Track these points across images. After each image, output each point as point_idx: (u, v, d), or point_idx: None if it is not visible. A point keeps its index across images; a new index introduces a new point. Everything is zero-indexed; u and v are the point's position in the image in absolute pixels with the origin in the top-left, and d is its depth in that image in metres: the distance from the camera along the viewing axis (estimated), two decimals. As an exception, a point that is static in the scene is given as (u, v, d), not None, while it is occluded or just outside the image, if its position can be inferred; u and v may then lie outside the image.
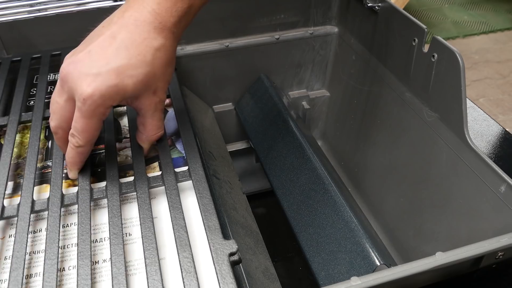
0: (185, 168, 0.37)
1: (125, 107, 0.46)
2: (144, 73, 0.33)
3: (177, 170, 0.37)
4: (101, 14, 0.56)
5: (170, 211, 0.34)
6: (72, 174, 0.37)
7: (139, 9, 0.33)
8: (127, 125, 0.43)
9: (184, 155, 0.41)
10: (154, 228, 0.32)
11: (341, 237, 0.41)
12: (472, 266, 0.35)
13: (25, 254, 0.31)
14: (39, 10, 0.55)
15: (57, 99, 0.35)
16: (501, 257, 0.35)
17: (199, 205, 0.34)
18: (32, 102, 0.47)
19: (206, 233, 0.32)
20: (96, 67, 0.32)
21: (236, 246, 0.31)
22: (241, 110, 0.66)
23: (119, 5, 0.57)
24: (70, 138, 0.35)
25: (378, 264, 0.38)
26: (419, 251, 0.49)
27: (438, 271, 0.33)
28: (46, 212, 0.34)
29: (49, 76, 0.51)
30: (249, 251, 0.43)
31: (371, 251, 0.38)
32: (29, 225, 0.33)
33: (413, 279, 0.32)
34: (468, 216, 0.43)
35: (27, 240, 0.32)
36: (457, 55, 0.41)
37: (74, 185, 0.37)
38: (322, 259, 0.42)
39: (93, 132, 0.34)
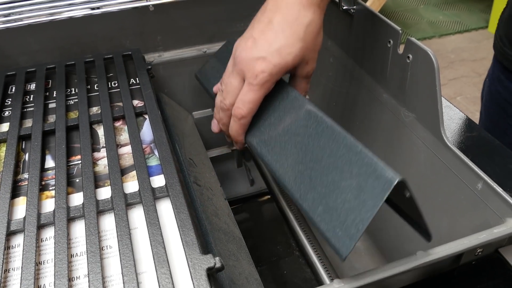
0: (163, 183, 0.38)
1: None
2: (299, 48, 0.39)
3: (154, 186, 0.37)
4: (75, 23, 0.56)
5: (147, 227, 0.34)
6: (239, 145, 0.45)
7: None
8: (104, 134, 0.43)
9: (163, 163, 0.40)
10: (132, 245, 0.32)
11: (343, 164, 0.36)
12: (453, 264, 0.36)
13: (1, 274, 0.31)
14: (14, 20, 0.54)
15: (232, 81, 0.41)
16: (480, 253, 0.36)
17: (176, 220, 0.34)
18: (7, 112, 0.46)
19: (183, 248, 0.32)
20: (262, 51, 0.39)
21: (214, 261, 0.31)
22: (205, 75, 0.58)
23: (94, 14, 0.56)
24: (234, 112, 0.41)
25: (398, 179, 0.32)
26: (401, 251, 0.50)
27: (420, 269, 0.33)
28: (22, 233, 0.34)
29: (25, 86, 0.50)
30: (232, 257, 0.42)
31: (386, 169, 0.33)
32: (4, 248, 0.33)
33: (394, 279, 0.32)
34: (447, 214, 0.43)
35: (2, 262, 0.32)
36: (431, 55, 0.42)
37: (52, 197, 0.37)
38: (318, 193, 0.37)
39: (257, 103, 0.41)
